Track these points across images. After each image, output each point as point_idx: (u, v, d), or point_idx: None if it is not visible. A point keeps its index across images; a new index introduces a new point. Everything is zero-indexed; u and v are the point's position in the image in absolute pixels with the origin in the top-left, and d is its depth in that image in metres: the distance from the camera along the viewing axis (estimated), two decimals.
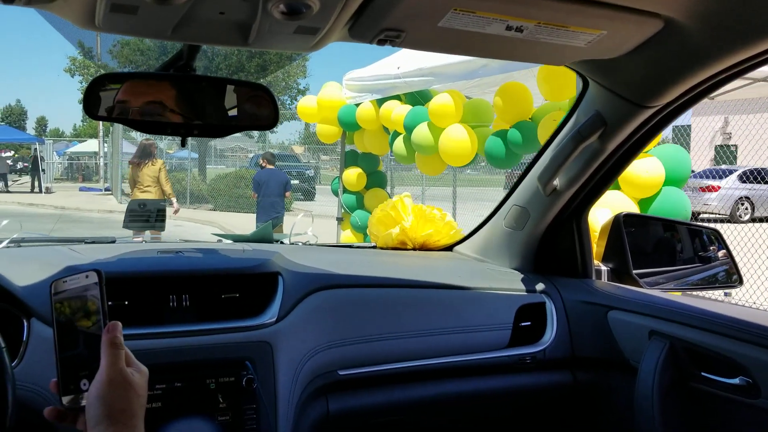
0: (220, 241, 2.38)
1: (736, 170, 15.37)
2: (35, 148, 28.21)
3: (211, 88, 1.40)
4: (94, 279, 0.95)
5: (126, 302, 1.46)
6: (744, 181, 14.88)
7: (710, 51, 1.35)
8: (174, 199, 9.14)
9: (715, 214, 14.27)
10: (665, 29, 1.29)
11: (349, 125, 7.49)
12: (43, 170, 26.63)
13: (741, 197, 15.18)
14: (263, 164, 9.39)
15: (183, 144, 1.42)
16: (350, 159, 8.06)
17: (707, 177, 14.90)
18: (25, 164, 34.78)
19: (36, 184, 26.27)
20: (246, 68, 22.05)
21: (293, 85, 26.60)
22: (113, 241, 2.05)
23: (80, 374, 0.92)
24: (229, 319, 1.50)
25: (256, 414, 1.41)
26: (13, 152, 36.36)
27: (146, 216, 8.01)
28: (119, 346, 0.90)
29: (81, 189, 27.16)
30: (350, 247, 2.52)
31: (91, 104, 1.30)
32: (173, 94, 1.37)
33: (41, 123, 68.04)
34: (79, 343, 0.94)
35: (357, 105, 7.17)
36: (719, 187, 14.63)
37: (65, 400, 0.92)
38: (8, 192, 25.38)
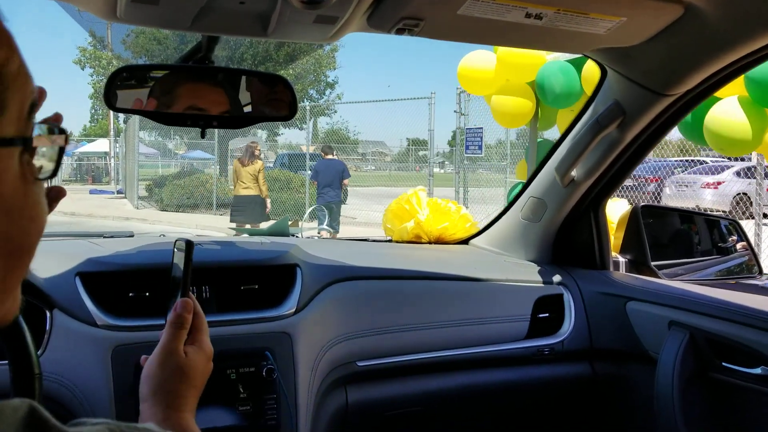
0: (237, 234, 2.39)
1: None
2: None
3: (229, 80, 1.41)
4: (182, 247, 0.95)
5: (147, 294, 1.47)
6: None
7: (730, 37, 1.33)
8: (268, 200, 10.08)
9: None
10: (685, 16, 1.28)
11: (557, 96, 5.27)
12: None
13: None
14: (323, 155, 10.63)
15: (202, 135, 1.42)
16: (543, 152, 5.30)
17: None
18: None
19: None
20: (274, 58, 20.53)
21: (322, 78, 24.55)
22: (131, 235, 2.06)
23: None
24: (248, 310, 1.51)
25: (277, 404, 1.41)
26: None
27: (248, 210, 9.34)
28: (182, 326, 0.89)
29: (91, 192, 25.28)
30: (366, 240, 2.53)
31: (111, 96, 1.31)
32: (192, 86, 1.37)
33: None
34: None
35: (574, 62, 5.05)
36: None
37: None
38: None
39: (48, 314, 1.37)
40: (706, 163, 12.13)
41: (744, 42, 1.33)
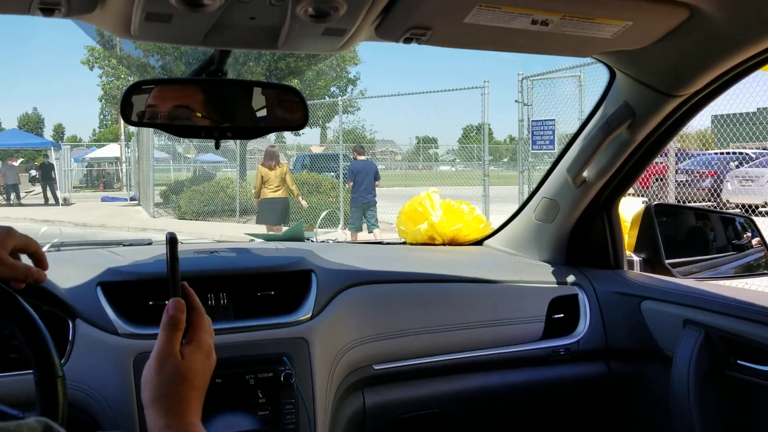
0: (252, 240, 2.42)
1: None
2: (45, 154, 25.20)
3: (241, 91, 1.44)
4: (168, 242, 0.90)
5: (167, 302, 1.50)
6: None
7: (737, 38, 1.34)
8: (303, 200, 10.56)
9: None
10: (691, 18, 1.29)
11: None
12: (53, 179, 23.27)
13: None
14: (355, 156, 10.71)
15: (217, 147, 1.45)
16: None
17: None
18: (32, 170, 30.98)
19: (49, 195, 22.96)
20: (295, 54, 19.85)
21: (344, 74, 23.40)
22: (150, 243, 2.10)
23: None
24: (265, 316, 1.54)
25: (295, 408, 1.44)
26: (21, 159, 32.47)
27: (275, 212, 9.60)
28: (175, 327, 0.86)
29: (103, 199, 23.88)
30: (380, 243, 2.55)
31: (127, 110, 1.35)
32: (206, 99, 1.40)
33: (58, 130, 65.31)
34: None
35: None
36: None
37: None
38: (21, 205, 22.15)
39: (71, 324, 1.40)
40: (747, 154, 11.08)
41: (750, 43, 1.34)
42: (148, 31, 1.16)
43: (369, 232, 10.24)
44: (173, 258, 0.90)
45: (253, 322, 1.51)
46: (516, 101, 10.21)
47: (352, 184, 10.46)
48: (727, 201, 10.26)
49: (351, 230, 10.55)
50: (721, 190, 10.37)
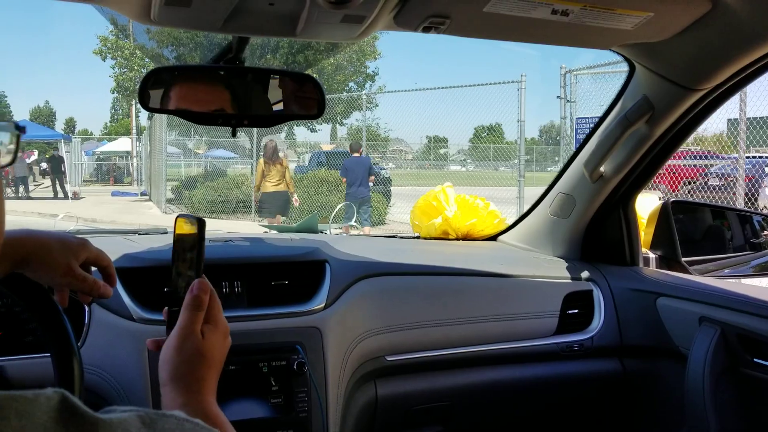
0: (266, 232, 2.43)
1: None
2: (55, 147, 24.48)
3: (259, 79, 1.44)
4: (200, 227, 0.90)
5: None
6: None
7: (759, 31, 1.32)
8: (295, 195, 10.51)
9: None
10: (713, 10, 1.27)
11: None
12: (63, 172, 22.75)
13: None
14: (350, 151, 11.00)
15: (234, 134, 1.45)
16: None
17: None
18: (42, 163, 29.90)
19: (58, 188, 22.27)
20: (314, 46, 18.48)
21: (362, 69, 22.15)
22: (165, 232, 2.11)
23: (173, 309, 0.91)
24: (279, 305, 1.54)
25: (308, 397, 1.44)
26: (36, 152, 31.70)
27: (276, 205, 9.86)
28: (199, 307, 0.86)
29: (114, 194, 23.31)
30: (394, 237, 2.54)
31: (144, 96, 1.35)
32: (223, 86, 1.41)
33: (70, 124, 63.17)
34: (179, 282, 0.92)
35: None
36: None
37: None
38: (30, 198, 21.18)
39: (87, 308, 1.41)
40: None
41: None
42: (168, 15, 1.16)
43: (360, 227, 10.29)
44: (201, 239, 0.90)
45: (267, 310, 1.52)
46: (558, 97, 9.65)
47: (345, 180, 10.65)
48: (765, 207, 9.67)
49: (348, 225, 10.63)
50: (758, 195, 9.63)
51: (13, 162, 0.66)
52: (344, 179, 10.66)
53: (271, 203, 9.94)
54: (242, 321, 1.47)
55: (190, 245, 0.93)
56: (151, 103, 1.37)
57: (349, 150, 11.20)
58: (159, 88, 1.38)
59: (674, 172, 9.79)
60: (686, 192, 9.17)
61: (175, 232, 0.95)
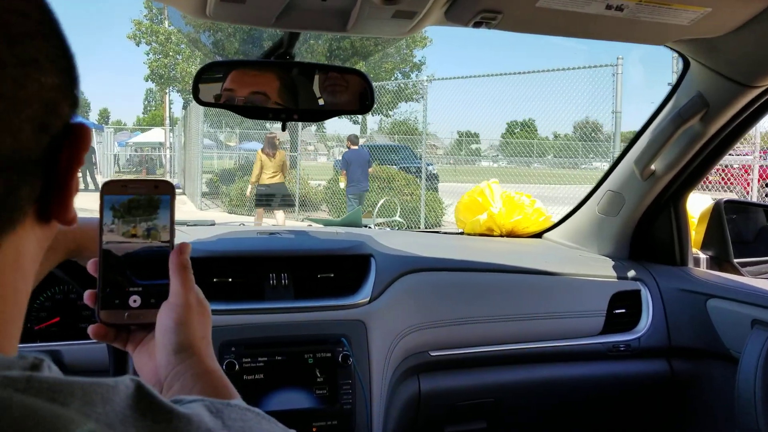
0: (310, 225, 2.45)
1: None
2: None
3: (309, 74, 1.45)
4: (166, 191, 0.80)
5: (230, 279, 1.54)
6: None
7: None
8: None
9: None
10: None
11: None
12: (94, 163, 21.36)
13: None
14: (349, 145, 10.89)
15: (283, 128, 1.47)
16: None
17: None
18: None
19: (89, 179, 20.37)
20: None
21: (410, 58, 21.02)
22: (213, 224, 2.15)
23: (130, 290, 0.80)
24: (324, 297, 1.56)
25: (352, 389, 1.46)
26: None
27: (274, 198, 9.97)
28: (188, 267, 0.79)
29: None
30: (437, 232, 2.54)
31: (197, 90, 1.38)
32: (274, 81, 1.43)
33: (104, 115, 62.48)
34: (137, 256, 0.81)
35: None
36: None
37: (103, 314, 0.79)
38: None
39: None
40: None
41: None
42: (223, 11, 1.18)
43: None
44: (172, 208, 0.81)
45: (313, 302, 1.53)
46: (669, 84, 8.74)
47: (345, 173, 10.72)
48: None
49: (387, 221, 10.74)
50: None
51: None
52: (344, 171, 10.74)
53: (271, 194, 10.07)
54: (289, 312, 1.49)
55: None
56: (204, 96, 1.40)
57: (347, 143, 11.17)
58: (211, 82, 1.41)
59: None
60: (764, 194, 8.81)
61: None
